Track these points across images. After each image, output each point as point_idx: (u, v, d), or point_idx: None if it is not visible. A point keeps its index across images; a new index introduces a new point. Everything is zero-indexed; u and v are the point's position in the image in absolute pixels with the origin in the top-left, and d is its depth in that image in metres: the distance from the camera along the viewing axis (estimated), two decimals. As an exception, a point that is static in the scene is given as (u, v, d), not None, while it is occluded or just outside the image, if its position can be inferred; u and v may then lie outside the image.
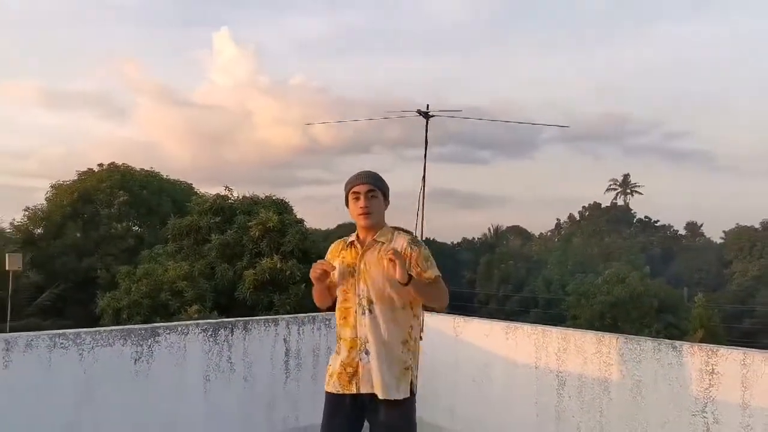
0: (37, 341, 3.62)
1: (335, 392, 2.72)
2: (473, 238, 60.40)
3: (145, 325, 4.20)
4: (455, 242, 58.84)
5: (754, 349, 3.22)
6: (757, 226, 49.71)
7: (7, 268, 16.21)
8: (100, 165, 29.03)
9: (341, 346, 2.76)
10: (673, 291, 32.17)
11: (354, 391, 2.68)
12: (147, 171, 29.81)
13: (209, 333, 4.32)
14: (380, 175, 2.84)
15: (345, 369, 2.70)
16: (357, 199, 2.73)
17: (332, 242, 3.01)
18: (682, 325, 26.00)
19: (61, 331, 3.75)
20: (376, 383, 2.67)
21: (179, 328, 4.22)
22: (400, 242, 2.76)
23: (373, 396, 2.70)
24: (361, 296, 2.72)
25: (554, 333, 4.10)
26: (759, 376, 3.08)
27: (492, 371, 4.44)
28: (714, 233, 62.05)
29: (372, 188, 2.74)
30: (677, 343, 3.48)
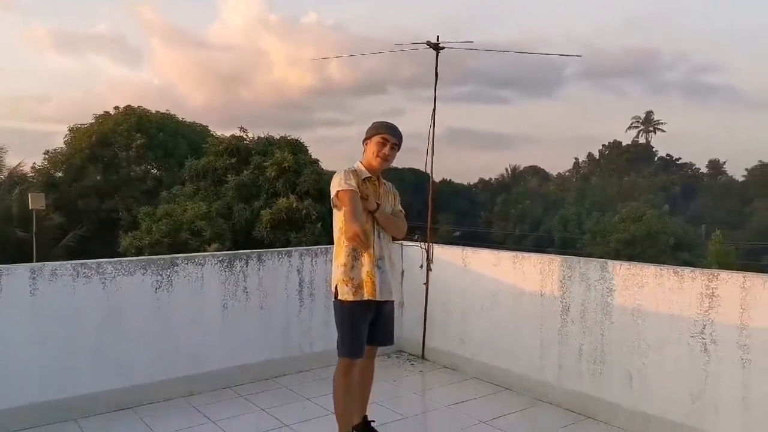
0: (62, 270, 3.81)
1: (367, 299, 3.13)
2: (490, 179, 60.09)
3: (164, 256, 4.37)
4: (472, 183, 58.62)
5: (754, 273, 3.28)
6: (781, 163, 48.57)
7: (30, 207, 16.66)
8: (116, 108, 29.09)
9: (365, 261, 3.14)
10: (691, 229, 31.99)
11: (378, 298, 3.15)
12: (162, 113, 29.80)
13: (225, 264, 4.48)
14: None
15: (370, 278, 3.13)
16: (384, 144, 3.21)
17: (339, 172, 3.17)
18: (697, 262, 25.96)
19: (83, 261, 3.93)
20: (387, 291, 3.20)
21: (196, 259, 4.38)
22: (389, 185, 3.41)
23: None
24: (376, 223, 3.21)
25: (559, 261, 4.18)
26: (758, 299, 3.15)
27: (500, 299, 4.57)
28: (737, 171, 60.84)
29: (397, 143, 3.25)
30: (679, 268, 3.55)
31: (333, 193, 3.11)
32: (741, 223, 41.33)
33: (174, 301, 4.21)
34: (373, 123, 3.31)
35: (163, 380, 4.11)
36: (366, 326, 3.19)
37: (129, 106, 29.12)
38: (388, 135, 3.21)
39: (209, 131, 28.73)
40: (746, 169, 52.50)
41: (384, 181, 3.38)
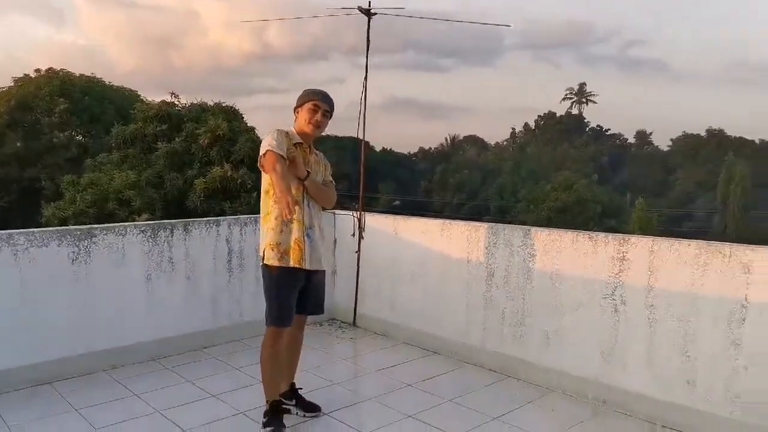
0: (-34, 242, 3.58)
1: (294, 267, 3.10)
2: (430, 148, 60.59)
3: (81, 227, 4.18)
4: (412, 152, 58.96)
5: (662, 237, 3.48)
6: (703, 133, 51.38)
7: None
8: (38, 71, 27.24)
9: (293, 228, 3.10)
10: (617, 197, 33.54)
11: (306, 267, 3.13)
12: (88, 77, 28.14)
13: (148, 234, 4.34)
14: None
15: (299, 246, 3.10)
16: (315, 111, 3.17)
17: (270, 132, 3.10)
18: (622, 228, 27.31)
19: (-10, 232, 3.70)
20: (317, 260, 3.20)
21: (117, 229, 4.22)
22: (321, 155, 3.38)
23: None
24: (305, 191, 3.17)
25: (485, 228, 4.29)
26: (663, 260, 3.35)
27: (429, 266, 4.65)
28: (662, 141, 63.97)
29: (329, 110, 3.22)
30: (594, 233, 3.71)
31: (261, 151, 3.04)
32: (664, 191, 43.65)
33: (93, 273, 4.05)
34: (305, 90, 3.25)
35: (82, 354, 3.98)
36: (294, 294, 3.18)
37: (51, 68, 27.33)
38: (319, 102, 3.17)
39: (139, 96, 27.40)
40: (671, 140, 55.29)
41: (316, 150, 3.34)
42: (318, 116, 3.16)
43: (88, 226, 4.25)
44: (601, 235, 3.66)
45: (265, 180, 3.15)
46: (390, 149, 52.07)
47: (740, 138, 48.63)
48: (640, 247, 3.46)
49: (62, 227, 4.18)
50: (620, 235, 3.60)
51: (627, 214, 29.65)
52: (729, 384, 3.09)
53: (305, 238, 3.12)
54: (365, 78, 5.28)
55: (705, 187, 40.92)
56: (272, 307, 3.15)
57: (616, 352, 3.53)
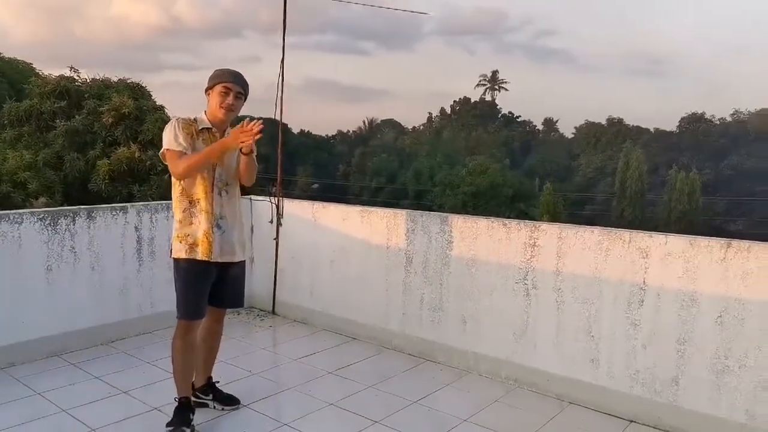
0: None
1: (205, 260, 2.97)
2: (348, 131, 60.45)
3: (-31, 214, 3.83)
4: (330, 135, 58.58)
5: (569, 224, 3.67)
6: (603, 122, 54.62)
7: None
8: None
9: (202, 219, 2.97)
10: (527, 181, 35.08)
11: (219, 260, 3.02)
12: (-28, 46, 25.74)
13: (47, 222, 4.04)
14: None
15: (207, 238, 2.97)
16: (226, 94, 2.97)
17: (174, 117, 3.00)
18: (531, 212, 28.67)
19: None
20: (229, 252, 3.07)
21: (11, 217, 3.90)
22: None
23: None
24: (218, 179, 3.02)
25: (404, 215, 4.34)
26: (570, 246, 3.54)
27: (348, 252, 4.65)
28: (567, 129, 67.39)
29: (242, 91, 3.02)
30: (508, 221, 3.86)
31: (162, 149, 2.94)
32: (569, 176, 46.16)
33: (-15, 265, 3.73)
34: (215, 71, 3.06)
35: (-26, 353, 3.67)
36: (206, 286, 3.05)
37: (-73, 34, 24.66)
38: (230, 83, 2.97)
39: (34, 70, 25.33)
40: (575, 127, 58.37)
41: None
42: (230, 99, 2.97)
43: (-22, 213, 3.88)
44: (515, 222, 3.81)
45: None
46: (308, 131, 51.48)
47: (637, 126, 52.24)
48: (549, 233, 3.63)
49: (-53, 215, 3.80)
50: (532, 222, 3.77)
51: (535, 198, 31.11)
52: (629, 362, 3.33)
53: (214, 229, 2.98)
54: (282, 59, 5.14)
55: (605, 173, 43.68)
56: (180, 299, 3.02)
57: (527, 333, 3.71)
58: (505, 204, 29.47)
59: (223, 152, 2.94)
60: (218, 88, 2.98)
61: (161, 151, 2.97)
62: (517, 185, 31.83)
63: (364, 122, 61.62)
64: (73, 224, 4.16)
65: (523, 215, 27.55)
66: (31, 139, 14.40)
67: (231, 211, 3.08)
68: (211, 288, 3.08)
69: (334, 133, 59.10)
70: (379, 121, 62.70)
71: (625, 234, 3.37)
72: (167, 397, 3.21)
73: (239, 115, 3.22)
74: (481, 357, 3.92)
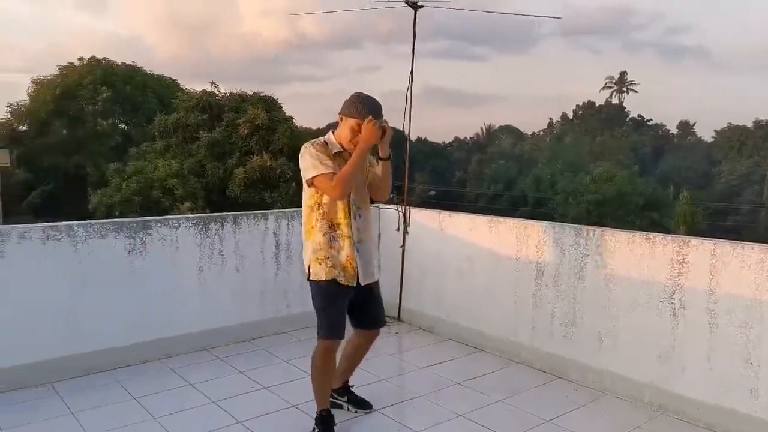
0: (30, 233, 3.70)
1: (346, 284, 3.00)
2: (465, 138, 60.09)
3: (137, 219, 4.29)
4: (447, 142, 58.57)
5: (724, 240, 3.36)
6: (749, 125, 49.60)
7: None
8: (81, 59, 27.98)
9: (344, 245, 2.99)
10: (659, 189, 32.66)
11: (362, 283, 3.06)
12: (129, 66, 28.82)
13: (200, 227, 4.41)
14: None
15: (351, 264, 3.00)
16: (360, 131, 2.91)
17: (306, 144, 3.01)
18: (665, 222, 26.65)
19: (53, 224, 3.83)
20: (370, 274, 3.11)
21: (170, 222, 4.31)
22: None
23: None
24: (352, 203, 3.03)
25: (535, 226, 4.22)
26: (726, 264, 3.24)
27: (475, 262, 4.61)
28: (706, 132, 62.03)
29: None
30: (651, 234, 3.61)
31: (308, 176, 2.92)
32: (708, 183, 42.38)
33: (148, 264, 4.15)
34: (355, 96, 2.96)
35: (138, 343, 4.09)
36: (345, 306, 3.06)
37: (94, 57, 28.06)
38: (375, 119, 2.87)
39: (178, 85, 27.93)
40: (715, 131, 53.55)
41: None
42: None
43: (143, 218, 4.34)
44: (660, 236, 3.56)
45: (308, 194, 3.01)
46: (425, 138, 51.81)
47: (790, 129, 46.73)
48: (701, 249, 3.35)
49: (119, 220, 4.28)
50: (680, 237, 3.50)
51: (670, 208, 28.86)
52: (796, 394, 2.98)
53: (356, 254, 2.99)
54: (411, 73, 5.22)
55: (751, 180, 39.55)
56: (324, 321, 3.02)
57: (674, 356, 3.44)
58: (635, 213, 27.64)
59: (366, 152, 2.92)
60: (354, 122, 2.91)
61: (307, 179, 2.93)
62: (649, 193, 29.73)
63: (481, 129, 60.93)
64: (222, 229, 4.51)
65: (657, 226, 25.66)
66: (178, 149, 15.89)
67: (367, 235, 3.10)
68: (357, 311, 3.15)
69: (450, 140, 59.06)
70: (496, 128, 61.64)
71: (793, 252, 3.02)
72: (305, 395, 3.36)
73: None
74: (619, 378, 3.70)
